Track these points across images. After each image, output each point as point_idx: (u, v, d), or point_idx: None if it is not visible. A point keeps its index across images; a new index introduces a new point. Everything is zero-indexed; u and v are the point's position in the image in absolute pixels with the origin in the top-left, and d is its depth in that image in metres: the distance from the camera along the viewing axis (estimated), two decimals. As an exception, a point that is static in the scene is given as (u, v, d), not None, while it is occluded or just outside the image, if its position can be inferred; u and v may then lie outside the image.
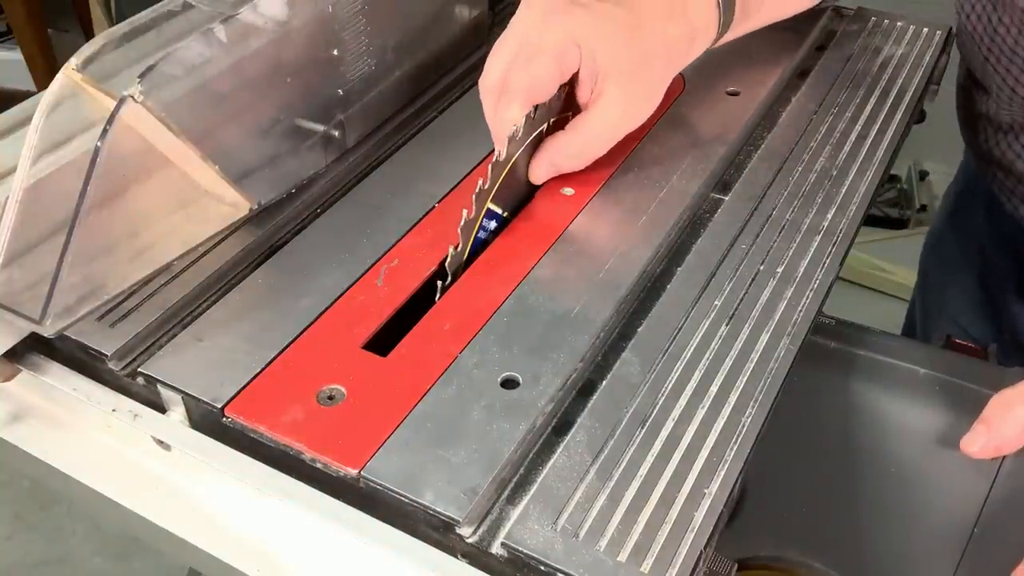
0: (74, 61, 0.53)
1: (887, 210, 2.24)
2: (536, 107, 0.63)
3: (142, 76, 0.51)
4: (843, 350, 0.65)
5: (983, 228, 0.99)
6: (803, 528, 0.62)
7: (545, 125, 0.66)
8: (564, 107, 0.67)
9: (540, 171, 0.65)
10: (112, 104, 0.52)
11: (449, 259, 0.60)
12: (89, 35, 2.33)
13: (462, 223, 0.60)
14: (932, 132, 0.91)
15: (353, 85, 0.68)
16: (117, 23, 0.55)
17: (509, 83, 0.62)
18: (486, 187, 0.60)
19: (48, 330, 0.53)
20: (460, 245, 0.60)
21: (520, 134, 0.62)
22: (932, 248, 1.09)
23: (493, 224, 0.64)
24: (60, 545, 1.72)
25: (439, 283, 0.59)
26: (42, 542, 1.73)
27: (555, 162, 0.65)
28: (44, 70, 2.29)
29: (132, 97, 0.51)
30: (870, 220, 1.06)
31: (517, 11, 0.65)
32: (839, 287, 0.62)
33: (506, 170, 0.62)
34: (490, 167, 0.60)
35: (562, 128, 0.66)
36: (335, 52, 0.65)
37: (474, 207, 0.60)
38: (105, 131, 0.51)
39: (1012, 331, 0.96)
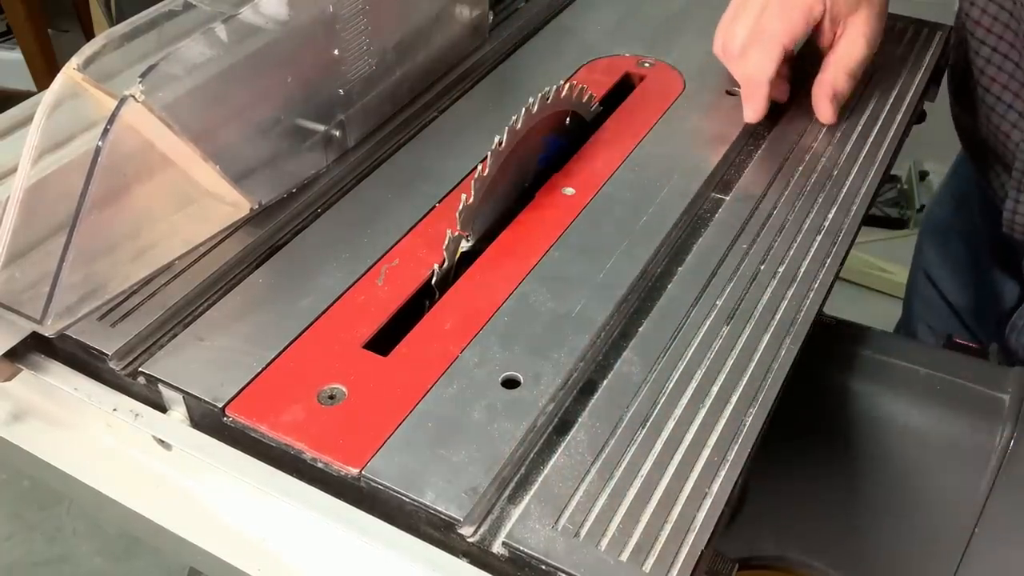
0: (75, 61, 0.53)
1: (887, 210, 2.24)
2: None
3: (143, 76, 0.51)
4: (843, 350, 0.65)
5: (975, 221, 0.99)
6: (804, 528, 0.62)
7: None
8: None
9: (825, 108, 0.74)
10: (113, 104, 0.52)
11: (435, 278, 0.60)
12: (89, 35, 2.33)
13: (446, 242, 0.60)
14: (932, 132, 0.91)
15: (354, 85, 0.68)
16: (117, 23, 0.55)
17: (764, 30, 0.72)
18: (470, 203, 0.60)
19: (49, 330, 0.53)
20: (445, 263, 0.60)
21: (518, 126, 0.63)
22: (929, 244, 1.09)
23: None
24: (60, 544, 1.72)
25: (427, 302, 0.60)
26: (42, 541, 1.73)
27: (833, 93, 0.74)
28: (44, 70, 2.29)
29: (133, 97, 0.51)
30: (870, 220, 1.06)
31: None
32: (839, 287, 0.62)
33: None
34: (473, 183, 0.61)
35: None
36: (336, 52, 0.65)
37: (458, 224, 0.61)
38: (106, 131, 0.51)
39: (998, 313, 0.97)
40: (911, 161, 2.30)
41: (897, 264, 2.07)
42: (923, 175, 2.30)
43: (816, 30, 0.74)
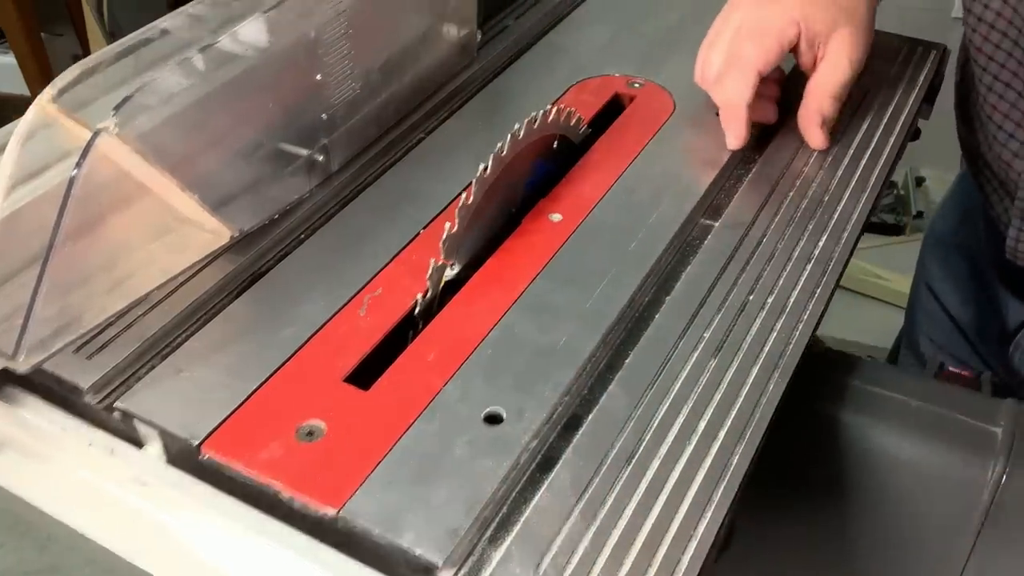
0: (48, 92, 0.51)
1: (883, 216, 2.23)
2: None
3: (117, 108, 0.50)
4: (834, 380, 0.64)
5: (977, 239, 0.98)
6: (794, 563, 0.61)
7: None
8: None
9: (815, 135, 0.73)
10: (87, 135, 0.51)
11: (418, 308, 0.59)
12: (82, 39, 2.31)
13: (430, 271, 0.59)
14: (930, 139, 0.90)
15: (337, 109, 0.67)
16: (109, 28, 0.53)
17: (739, 56, 0.71)
18: (454, 232, 0.59)
19: (21, 366, 0.52)
20: (429, 292, 0.59)
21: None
22: (932, 257, 1.08)
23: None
24: (50, 555, 1.71)
25: (410, 333, 0.59)
26: (32, 551, 1.72)
27: (821, 119, 0.72)
28: (37, 74, 2.28)
29: (106, 130, 0.50)
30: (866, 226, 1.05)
31: (725, 8, 0.74)
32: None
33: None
34: (457, 212, 0.60)
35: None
36: (318, 77, 0.64)
37: (442, 253, 0.60)
38: (79, 164, 0.50)
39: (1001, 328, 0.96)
40: (908, 167, 2.29)
41: (894, 271, 2.06)
42: (919, 181, 2.29)
43: (795, 52, 0.73)
